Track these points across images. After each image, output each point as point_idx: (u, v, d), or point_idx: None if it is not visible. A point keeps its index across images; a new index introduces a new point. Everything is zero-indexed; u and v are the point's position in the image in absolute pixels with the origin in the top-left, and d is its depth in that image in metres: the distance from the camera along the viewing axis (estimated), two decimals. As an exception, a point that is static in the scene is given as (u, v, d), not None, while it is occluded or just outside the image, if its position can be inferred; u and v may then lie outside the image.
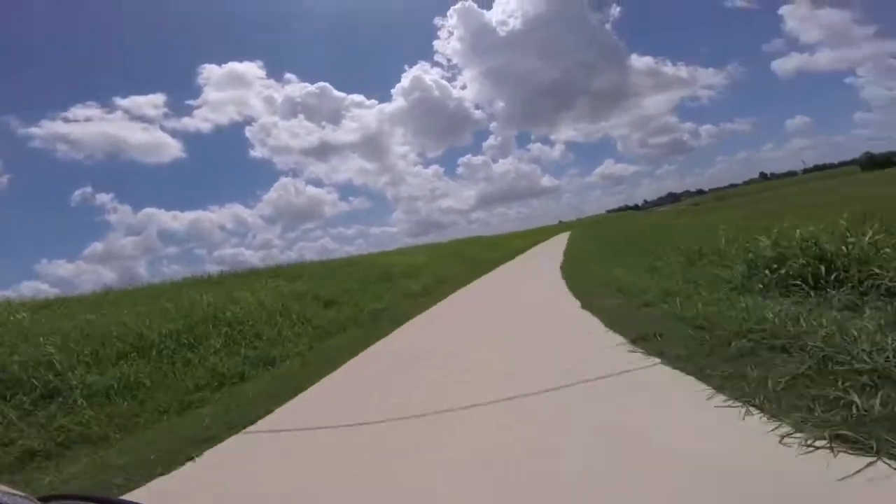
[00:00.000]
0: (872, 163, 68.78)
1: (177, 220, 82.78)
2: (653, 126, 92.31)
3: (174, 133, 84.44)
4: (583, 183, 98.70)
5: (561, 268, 11.34)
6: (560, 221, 72.91)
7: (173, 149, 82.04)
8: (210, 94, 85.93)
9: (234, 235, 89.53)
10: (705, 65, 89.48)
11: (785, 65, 78.94)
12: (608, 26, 79.88)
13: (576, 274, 9.41)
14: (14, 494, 0.64)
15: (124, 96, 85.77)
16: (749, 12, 75.75)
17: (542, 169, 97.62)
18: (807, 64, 76.78)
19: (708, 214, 20.41)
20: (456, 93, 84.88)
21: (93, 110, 72.10)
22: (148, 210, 79.46)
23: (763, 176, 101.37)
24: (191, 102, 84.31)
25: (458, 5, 76.69)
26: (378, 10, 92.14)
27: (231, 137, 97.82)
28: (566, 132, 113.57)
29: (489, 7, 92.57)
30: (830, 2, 78.93)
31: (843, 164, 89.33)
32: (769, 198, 30.96)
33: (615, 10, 79.65)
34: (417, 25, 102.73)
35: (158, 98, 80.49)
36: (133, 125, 76.73)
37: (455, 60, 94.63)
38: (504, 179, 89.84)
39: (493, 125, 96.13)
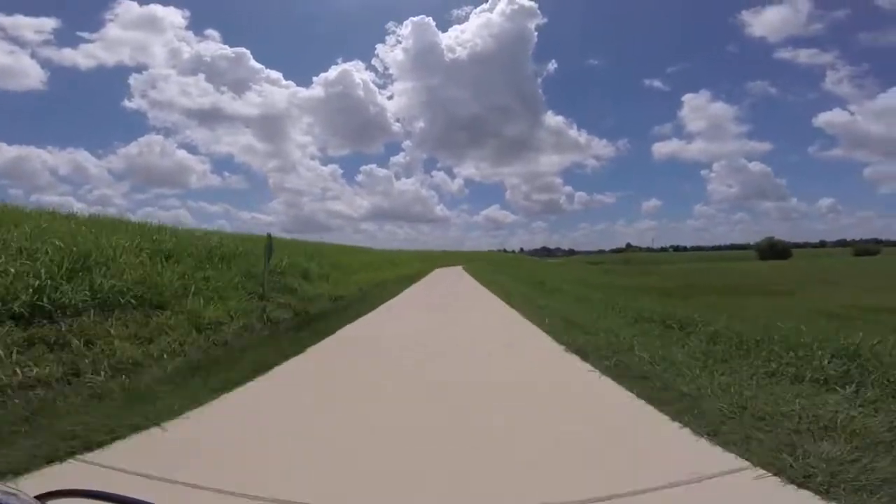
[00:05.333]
0: (772, 251, 69.42)
1: (-2, 152, 70.91)
2: (539, 183, 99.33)
3: (46, 63, 67.13)
4: (469, 220, 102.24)
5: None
6: (443, 251, 73.98)
7: (34, 79, 64.41)
8: (112, 31, 71.13)
9: (67, 183, 75.24)
10: (602, 136, 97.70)
11: (663, 148, 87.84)
12: (539, 79, 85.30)
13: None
14: (13, 493, 0.63)
15: (9, 13, 69.70)
16: (662, 94, 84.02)
17: (440, 198, 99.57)
18: (681, 151, 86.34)
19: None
20: (381, 100, 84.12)
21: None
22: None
23: (629, 247, 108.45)
24: (84, 35, 69.46)
25: (418, 18, 78.22)
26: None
27: (110, 81, 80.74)
28: (469, 168, 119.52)
29: (445, 30, 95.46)
30: (726, 96, 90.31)
31: (717, 248, 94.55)
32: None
33: (552, 66, 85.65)
34: (368, 24, 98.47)
35: (48, 23, 67.16)
36: None
37: (392, 70, 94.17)
38: (402, 198, 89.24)
39: (406, 143, 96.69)
